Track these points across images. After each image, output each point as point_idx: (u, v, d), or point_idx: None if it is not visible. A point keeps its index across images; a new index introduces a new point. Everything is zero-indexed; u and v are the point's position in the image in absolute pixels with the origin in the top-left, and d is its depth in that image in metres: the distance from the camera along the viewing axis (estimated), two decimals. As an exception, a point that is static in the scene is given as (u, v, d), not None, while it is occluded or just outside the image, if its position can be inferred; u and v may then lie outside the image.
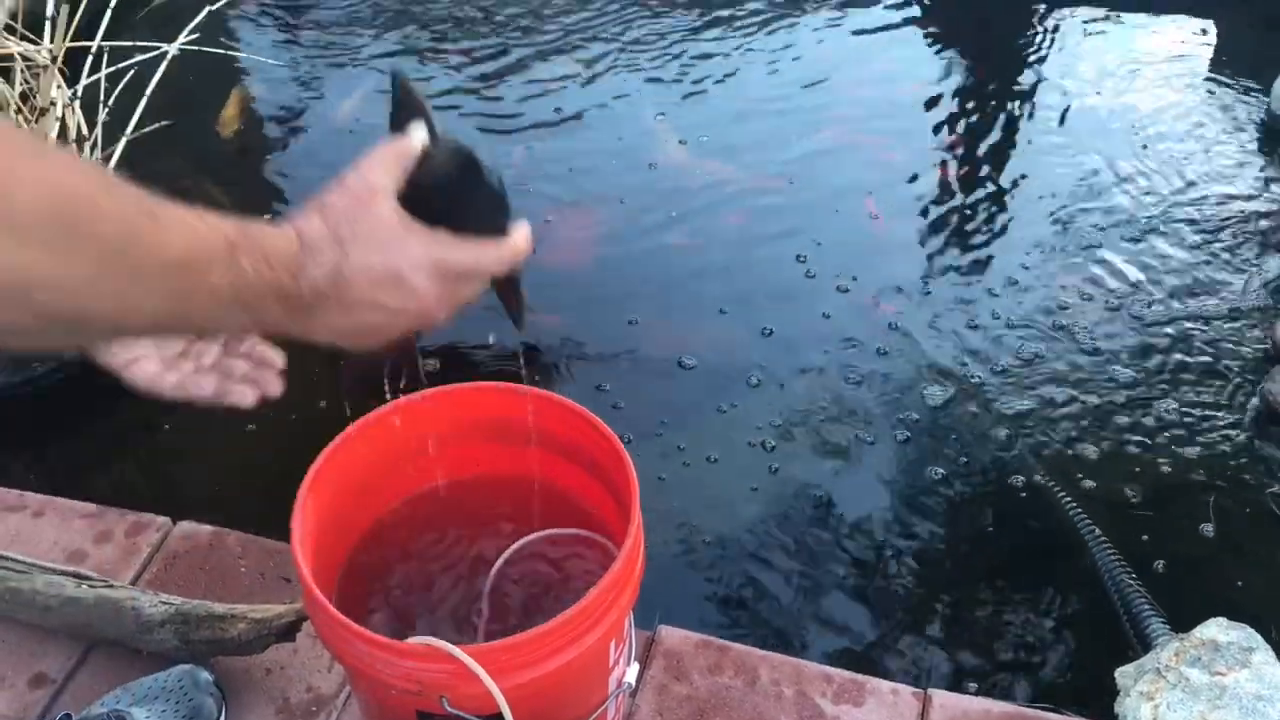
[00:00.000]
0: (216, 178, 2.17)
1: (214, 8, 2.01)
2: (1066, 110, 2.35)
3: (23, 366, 1.76)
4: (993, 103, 2.42)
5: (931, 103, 2.39)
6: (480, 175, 0.78)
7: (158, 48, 1.85)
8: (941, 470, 1.58)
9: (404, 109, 0.78)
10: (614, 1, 2.64)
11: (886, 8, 2.67)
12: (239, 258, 0.62)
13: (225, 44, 2.39)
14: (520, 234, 0.79)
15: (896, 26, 2.63)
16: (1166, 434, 1.63)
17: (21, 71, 1.70)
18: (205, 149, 2.28)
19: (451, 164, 0.77)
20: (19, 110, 1.65)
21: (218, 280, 0.61)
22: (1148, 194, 2.11)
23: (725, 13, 2.62)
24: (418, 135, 0.75)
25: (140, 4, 2.36)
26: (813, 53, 2.53)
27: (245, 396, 0.82)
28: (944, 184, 2.19)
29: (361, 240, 0.69)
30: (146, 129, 1.83)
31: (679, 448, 1.64)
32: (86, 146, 1.74)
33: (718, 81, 2.43)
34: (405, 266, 0.70)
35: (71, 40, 1.75)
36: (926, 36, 2.61)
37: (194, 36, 1.91)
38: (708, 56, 2.50)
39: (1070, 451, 1.61)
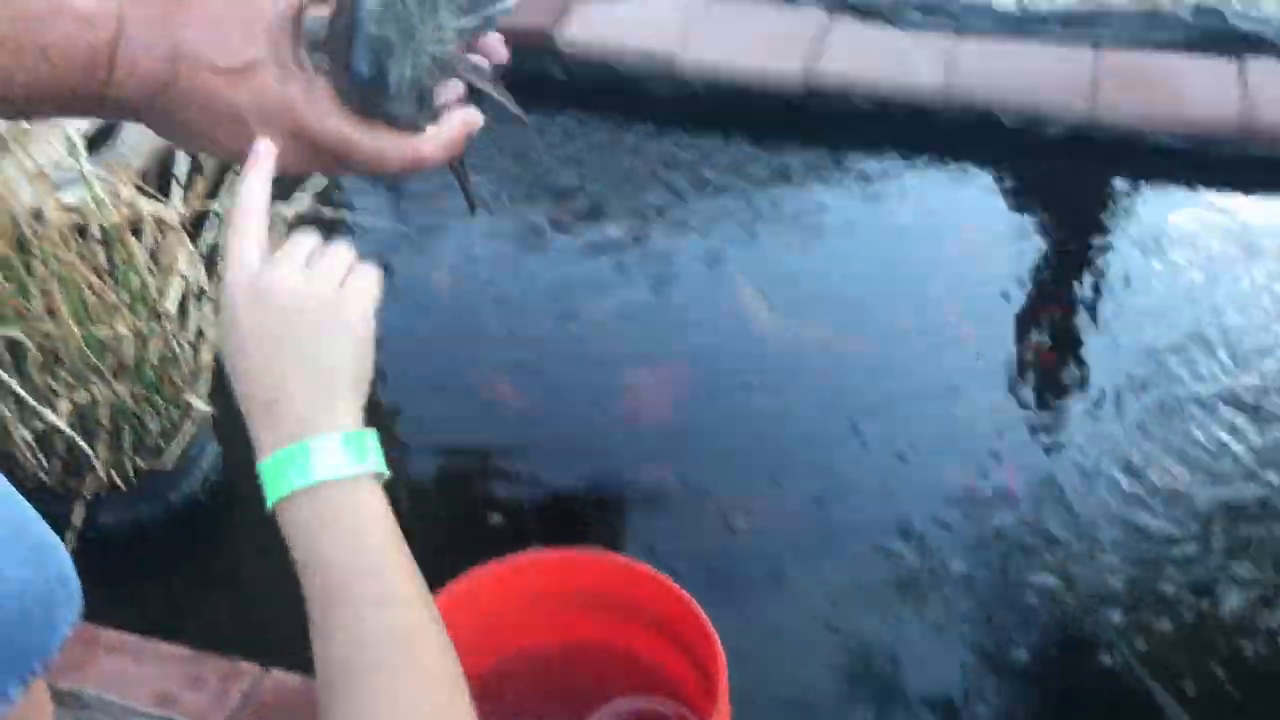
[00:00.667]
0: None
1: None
2: (1154, 284, 2.37)
3: (127, 507, 1.84)
4: (1077, 273, 2.44)
5: (1014, 275, 2.42)
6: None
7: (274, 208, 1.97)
8: (1025, 651, 1.56)
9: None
10: (686, 159, 2.73)
11: (963, 178, 2.73)
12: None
13: (337, 206, 2.52)
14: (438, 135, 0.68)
15: (976, 197, 2.68)
16: None
17: (152, 231, 1.82)
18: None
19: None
20: (149, 269, 1.76)
21: None
22: (1239, 367, 2.10)
23: (804, 174, 2.70)
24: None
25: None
26: (891, 217, 2.59)
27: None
28: (1030, 357, 2.21)
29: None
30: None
31: (745, 616, 1.64)
32: (206, 301, 1.84)
33: (799, 240, 2.50)
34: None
35: (197, 199, 1.86)
36: (1007, 205, 2.66)
37: (309, 199, 2.03)
38: (790, 216, 2.57)
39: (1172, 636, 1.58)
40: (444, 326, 2.32)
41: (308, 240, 0.70)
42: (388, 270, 2.25)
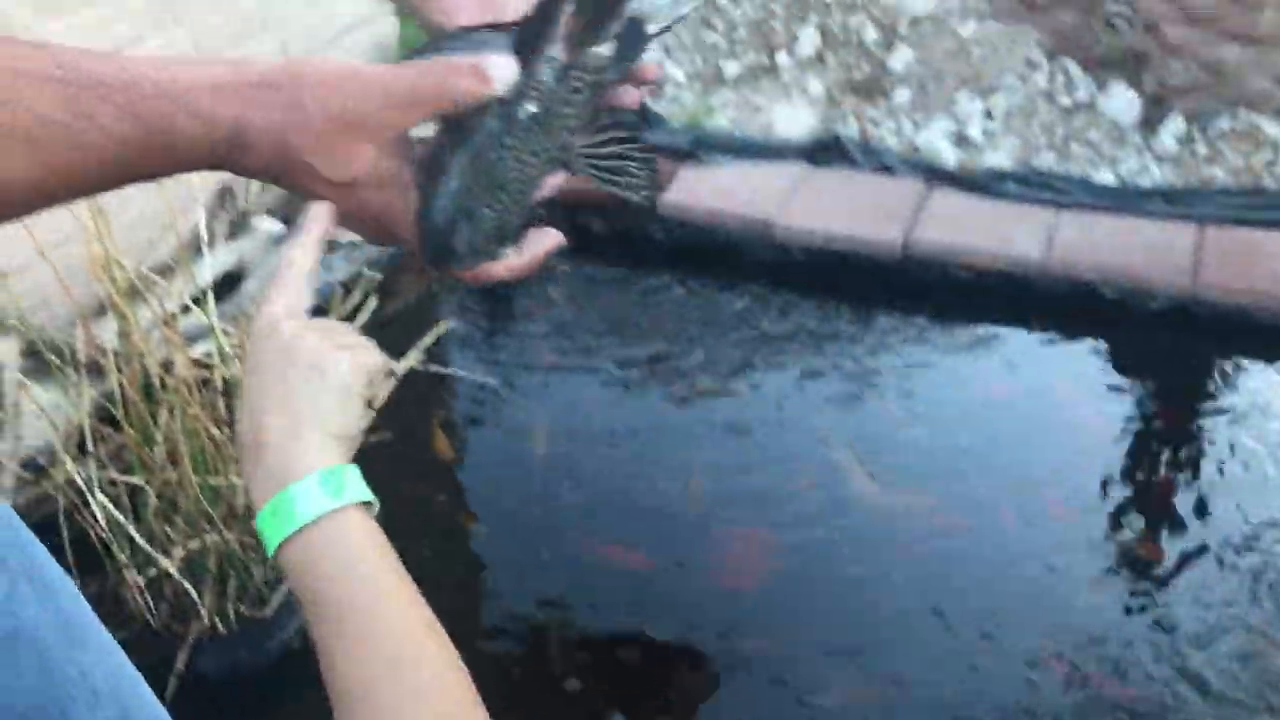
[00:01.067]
0: (431, 488, 2.32)
1: (440, 333, 2.20)
2: (1256, 463, 2.32)
3: (227, 652, 1.87)
4: (1177, 450, 2.40)
5: (1114, 449, 2.39)
6: None
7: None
8: None
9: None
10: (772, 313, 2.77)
11: (1064, 348, 2.72)
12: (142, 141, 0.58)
13: (439, 361, 2.59)
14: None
15: (1076, 367, 2.67)
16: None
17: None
18: (423, 462, 2.44)
19: None
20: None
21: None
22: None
23: (902, 341, 2.71)
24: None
25: (376, 330, 2.61)
26: (989, 386, 2.58)
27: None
28: (1128, 538, 2.17)
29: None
30: (369, 440, 1.98)
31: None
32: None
33: (895, 407, 2.50)
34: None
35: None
36: (1108, 377, 2.64)
37: (420, 357, 2.10)
38: (887, 383, 2.58)
39: None
40: (537, 482, 2.35)
41: (337, 323, 0.73)
42: (483, 423, 2.30)
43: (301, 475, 0.64)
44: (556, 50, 0.67)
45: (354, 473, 0.67)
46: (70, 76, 0.56)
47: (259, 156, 0.60)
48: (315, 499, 0.64)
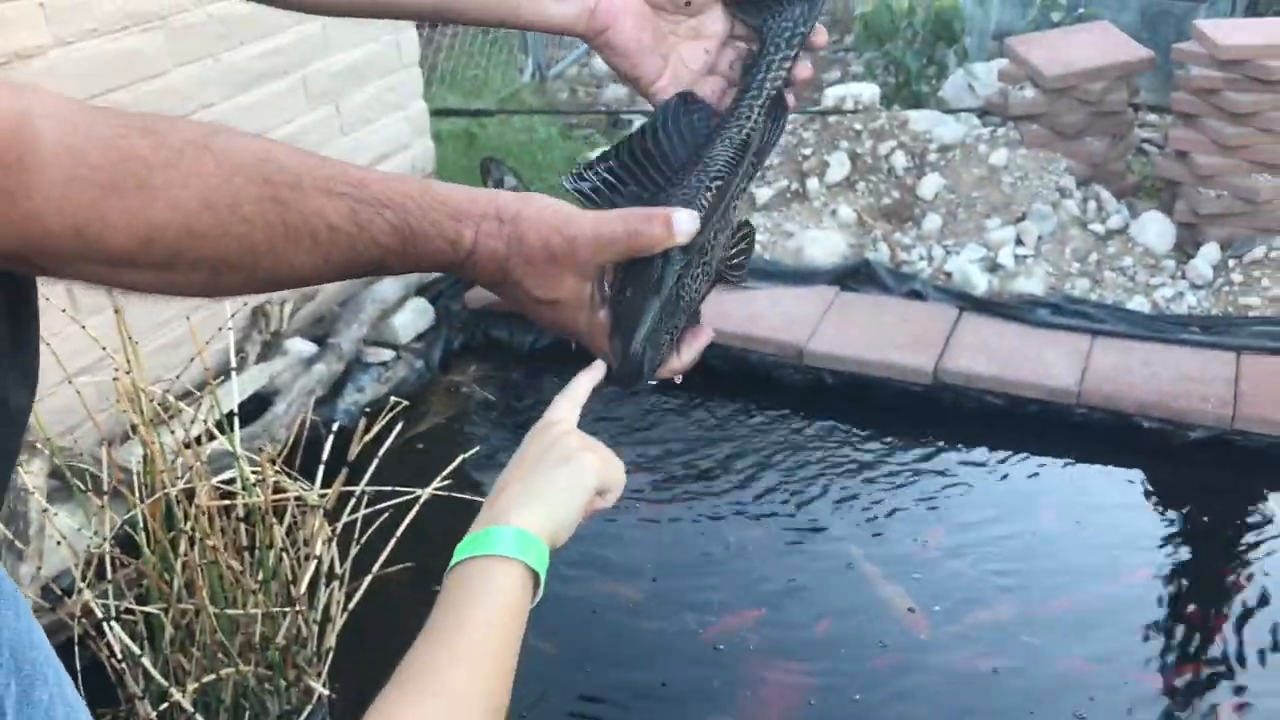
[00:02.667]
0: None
1: (467, 456, 2.19)
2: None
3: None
4: (1216, 582, 2.33)
5: (1153, 581, 2.32)
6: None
7: (412, 492, 2.01)
8: None
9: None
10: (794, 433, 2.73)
11: (1099, 477, 2.66)
12: (406, 248, 0.71)
13: (471, 486, 2.57)
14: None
15: (1113, 497, 2.61)
16: None
17: (292, 510, 1.88)
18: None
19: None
20: (284, 548, 1.80)
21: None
22: None
23: (932, 467, 2.67)
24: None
25: (403, 452, 2.61)
26: (1022, 513, 2.52)
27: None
28: (1170, 679, 2.09)
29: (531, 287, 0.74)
30: (392, 568, 1.96)
31: None
32: (335, 583, 1.87)
33: (926, 533, 2.45)
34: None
35: (341, 484, 1.92)
36: (1146, 506, 2.58)
37: (446, 482, 2.07)
38: (919, 509, 2.53)
39: None
40: (548, 616, 2.31)
41: (599, 442, 0.84)
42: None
43: (508, 524, 0.76)
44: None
45: (543, 551, 0.76)
46: (356, 194, 0.69)
47: (485, 273, 0.73)
48: (505, 543, 0.75)
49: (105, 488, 1.81)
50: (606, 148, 0.80)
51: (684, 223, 0.73)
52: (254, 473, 1.82)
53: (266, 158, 0.66)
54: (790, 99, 0.84)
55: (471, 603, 0.73)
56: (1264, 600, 2.28)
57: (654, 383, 0.79)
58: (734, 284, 0.84)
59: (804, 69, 0.85)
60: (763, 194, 3.56)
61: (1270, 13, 4.53)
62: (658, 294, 0.74)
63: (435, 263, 0.73)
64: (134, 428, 1.76)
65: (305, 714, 1.84)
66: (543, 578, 0.76)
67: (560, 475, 0.78)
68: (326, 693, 1.84)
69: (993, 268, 3.16)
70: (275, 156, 0.67)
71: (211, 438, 1.90)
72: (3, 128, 0.56)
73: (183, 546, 1.74)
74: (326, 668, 1.87)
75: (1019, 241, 3.21)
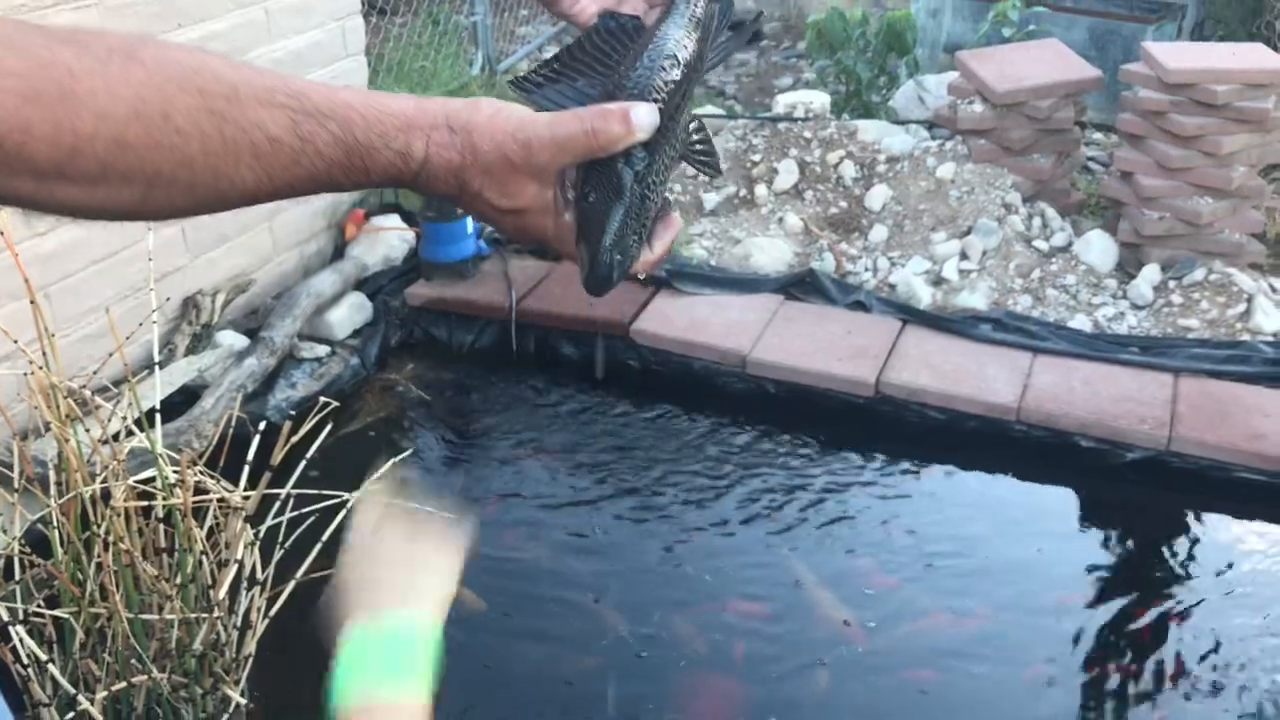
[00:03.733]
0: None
1: (399, 459, 2.13)
2: (1222, 617, 2.25)
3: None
4: (1144, 600, 2.34)
5: (1083, 597, 2.32)
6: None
7: (339, 495, 1.95)
8: None
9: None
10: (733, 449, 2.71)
11: (1036, 492, 2.67)
12: (352, 160, 0.69)
13: (404, 494, 2.51)
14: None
15: (1048, 513, 2.62)
16: None
17: (214, 512, 1.81)
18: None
19: None
20: (204, 551, 1.74)
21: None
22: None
23: (872, 477, 2.66)
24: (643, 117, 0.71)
25: (333, 452, 2.54)
26: (959, 525, 2.51)
27: None
28: (1104, 686, 2.09)
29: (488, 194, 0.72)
30: (317, 574, 1.90)
31: None
32: (257, 589, 1.81)
33: (863, 541, 2.43)
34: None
35: (265, 486, 1.86)
36: (1080, 523, 2.59)
37: (376, 487, 2.02)
38: (857, 517, 2.51)
39: None
40: (479, 618, 2.26)
41: None
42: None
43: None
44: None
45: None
46: (296, 105, 0.66)
47: (440, 184, 0.71)
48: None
49: (16, 485, 1.74)
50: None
51: (643, 116, 0.70)
52: (174, 472, 1.75)
53: (200, 68, 0.64)
54: None
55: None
56: (1188, 618, 2.29)
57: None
58: (704, 171, 0.82)
59: None
60: (710, 199, 3.53)
61: (1215, 38, 4.59)
62: (620, 198, 0.71)
63: (386, 176, 0.70)
64: (47, 425, 1.69)
65: (220, 723, 1.78)
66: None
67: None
68: (244, 701, 1.78)
69: (937, 281, 3.16)
70: (210, 67, 0.65)
71: (130, 434, 1.83)
72: None
73: (97, 548, 1.67)
74: (245, 675, 1.80)
75: (964, 256, 3.21)
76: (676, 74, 0.75)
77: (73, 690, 1.62)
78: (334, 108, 0.68)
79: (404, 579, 0.78)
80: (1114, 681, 2.15)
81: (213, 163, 0.64)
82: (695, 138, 0.79)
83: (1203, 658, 2.18)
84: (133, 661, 1.67)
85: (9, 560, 1.74)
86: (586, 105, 0.72)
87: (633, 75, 0.74)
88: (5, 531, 1.75)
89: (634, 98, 0.72)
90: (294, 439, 1.83)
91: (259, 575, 1.82)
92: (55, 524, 1.71)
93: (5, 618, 1.63)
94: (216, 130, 0.64)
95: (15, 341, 1.67)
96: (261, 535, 1.86)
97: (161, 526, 1.79)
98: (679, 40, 0.77)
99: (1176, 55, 3.18)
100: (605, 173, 0.71)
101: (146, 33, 0.63)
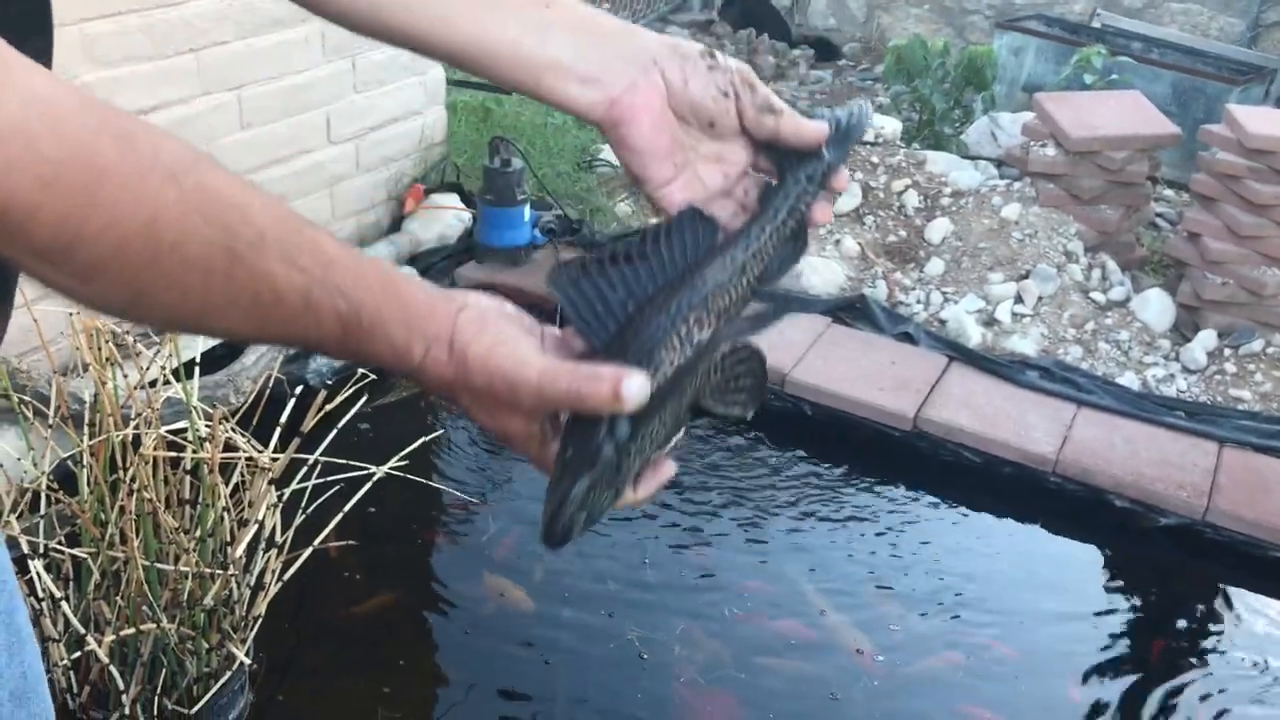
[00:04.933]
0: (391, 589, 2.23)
1: (428, 439, 2.14)
2: (1246, 699, 2.20)
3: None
4: (1164, 673, 2.29)
5: (1101, 662, 2.28)
6: None
7: (366, 468, 1.96)
8: None
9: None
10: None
11: (1065, 548, 2.63)
12: (347, 340, 0.67)
13: (429, 469, 2.52)
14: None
15: (1076, 569, 2.58)
16: None
17: (241, 470, 1.83)
18: (392, 562, 2.36)
19: None
20: (226, 507, 1.75)
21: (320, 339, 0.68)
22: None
23: (902, 511, 2.63)
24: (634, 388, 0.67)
25: (365, 424, 2.56)
26: (984, 569, 2.48)
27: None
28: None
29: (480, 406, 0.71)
30: (335, 544, 1.91)
31: None
32: (274, 550, 1.82)
33: (889, 574, 2.41)
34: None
35: (294, 451, 1.87)
36: (1107, 584, 2.54)
37: (404, 462, 2.02)
38: (884, 549, 2.49)
39: None
40: (493, 618, 2.26)
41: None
42: (452, 533, 2.19)
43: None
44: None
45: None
46: (318, 273, 0.65)
47: (432, 388, 0.72)
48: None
49: (51, 420, 1.76)
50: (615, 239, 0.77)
51: (633, 391, 0.66)
52: (206, 426, 1.76)
53: (238, 204, 0.62)
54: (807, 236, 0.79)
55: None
56: (1203, 696, 2.25)
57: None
58: (729, 420, 0.77)
59: (824, 211, 0.80)
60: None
61: (1302, 105, 4.51)
62: (591, 468, 0.67)
63: (375, 361, 0.69)
64: (85, 365, 1.71)
65: (224, 680, 1.79)
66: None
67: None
68: (248, 661, 1.79)
69: (989, 322, 3.12)
70: (248, 204, 0.62)
71: (167, 384, 1.85)
72: None
73: (122, 492, 1.68)
74: (253, 635, 1.82)
75: (1019, 299, 3.17)
76: (700, 334, 0.70)
77: (82, 630, 1.64)
78: (353, 287, 0.66)
79: None
80: (1121, 748, 2.11)
81: (210, 299, 0.62)
82: (737, 370, 0.73)
83: (1215, 736, 2.14)
84: (144, 608, 1.69)
85: (36, 494, 1.76)
86: (609, 327, 0.70)
87: (648, 327, 0.70)
88: (35, 465, 1.78)
89: (639, 357, 0.68)
90: (328, 408, 1.84)
91: (278, 538, 1.83)
92: (84, 464, 1.73)
93: (26, 550, 1.65)
94: (225, 270, 0.62)
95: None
96: (285, 498, 1.87)
97: (188, 478, 1.80)
98: (723, 284, 0.73)
99: (1260, 120, 3.12)
100: (586, 434, 0.68)
101: (207, 153, 0.62)
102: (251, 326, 0.65)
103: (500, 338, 0.69)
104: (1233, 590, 2.55)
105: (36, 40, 0.65)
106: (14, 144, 0.53)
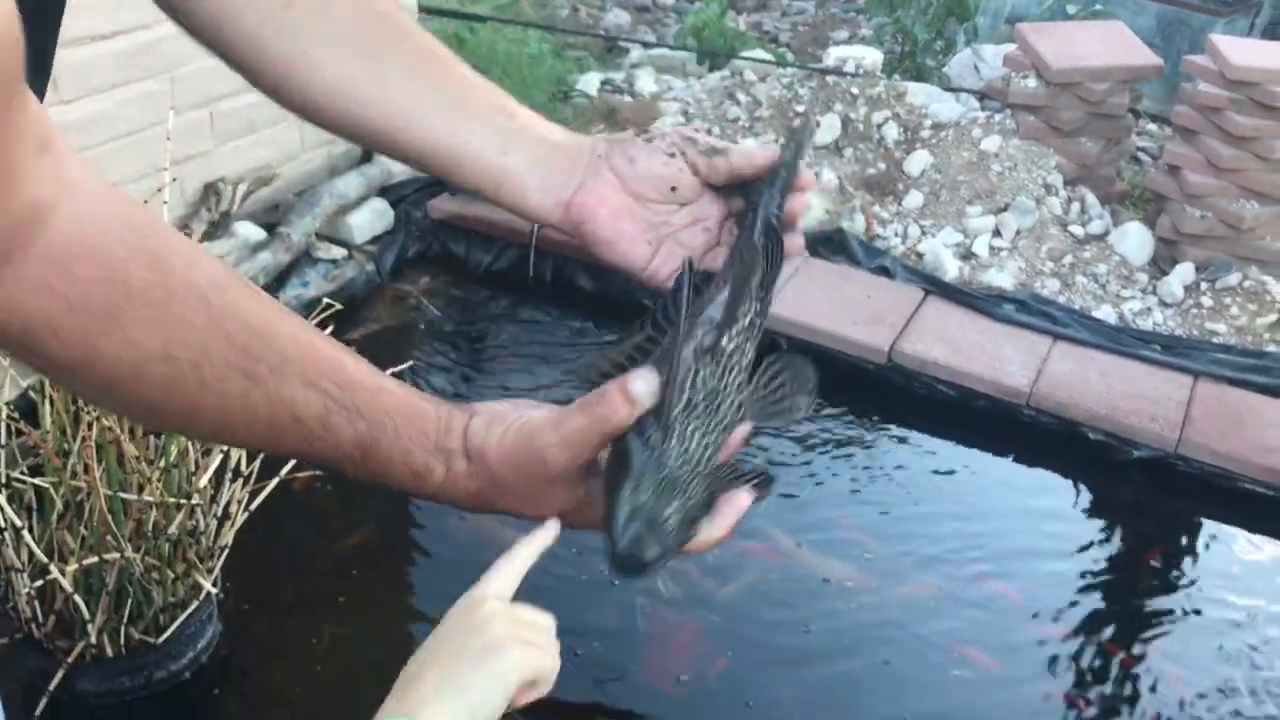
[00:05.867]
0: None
1: (396, 370, 2.12)
2: (1212, 627, 2.23)
3: (109, 676, 1.77)
4: (1133, 600, 2.32)
5: (1072, 590, 2.30)
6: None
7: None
8: None
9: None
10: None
11: (1038, 480, 2.64)
12: (366, 462, 0.69)
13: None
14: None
15: (1048, 500, 2.58)
16: None
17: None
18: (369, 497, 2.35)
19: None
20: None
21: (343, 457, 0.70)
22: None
23: (875, 442, 2.63)
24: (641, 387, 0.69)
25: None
26: (956, 500, 2.49)
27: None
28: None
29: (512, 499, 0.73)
30: (301, 473, 1.90)
31: None
32: (240, 481, 1.81)
33: (859, 503, 2.42)
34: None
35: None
36: (1080, 515, 2.56)
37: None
38: (847, 474, 2.50)
39: None
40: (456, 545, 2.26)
41: (540, 616, 0.77)
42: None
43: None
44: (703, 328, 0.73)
45: None
46: (337, 395, 0.66)
47: (464, 505, 0.72)
48: None
49: (10, 349, 1.73)
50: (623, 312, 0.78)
51: (639, 385, 0.68)
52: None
53: (262, 329, 0.63)
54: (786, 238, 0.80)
55: None
56: (1174, 623, 2.27)
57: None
58: (781, 423, 0.78)
59: (797, 202, 0.81)
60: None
61: (1287, 38, 4.46)
62: (629, 473, 0.68)
63: (396, 484, 0.71)
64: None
65: (191, 609, 1.79)
66: None
67: (481, 670, 0.71)
68: (215, 590, 1.79)
69: (966, 255, 3.11)
70: (274, 331, 0.64)
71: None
72: (18, 216, 0.53)
73: (84, 422, 1.66)
74: (219, 565, 1.81)
75: (996, 233, 3.15)
76: (708, 341, 0.72)
77: (45, 559, 1.63)
78: (371, 410, 0.67)
79: None
80: (1083, 678, 2.13)
81: (226, 419, 0.64)
82: (774, 383, 0.75)
83: (1168, 679, 2.17)
84: (108, 538, 1.68)
85: (-5, 423, 1.74)
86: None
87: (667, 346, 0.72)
88: (-4, 395, 1.75)
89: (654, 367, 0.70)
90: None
91: (243, 469, 1.82)
92: (46, 394, 1.71)
93: (-14, 480, 1.64)
94: (242, 393, 0.63)
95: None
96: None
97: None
98: (720, 299, 0.75)
99: (1242, 51, 3.09)
100: (622, 453, 0.69)
101: (239, 274, 0.63)
102: (267, 445, 0.68)
103: (509, 423, 0.71)
104: (1204, 521, 2.57)
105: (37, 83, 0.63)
106: (53, 267, 0.54)
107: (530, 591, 0.78)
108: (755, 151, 0.81)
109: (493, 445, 0.70)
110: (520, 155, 0.81)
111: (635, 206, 0.82)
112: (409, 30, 0.82)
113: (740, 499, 0.72)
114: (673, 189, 0.81)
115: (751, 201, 0.80)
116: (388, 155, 0.84)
